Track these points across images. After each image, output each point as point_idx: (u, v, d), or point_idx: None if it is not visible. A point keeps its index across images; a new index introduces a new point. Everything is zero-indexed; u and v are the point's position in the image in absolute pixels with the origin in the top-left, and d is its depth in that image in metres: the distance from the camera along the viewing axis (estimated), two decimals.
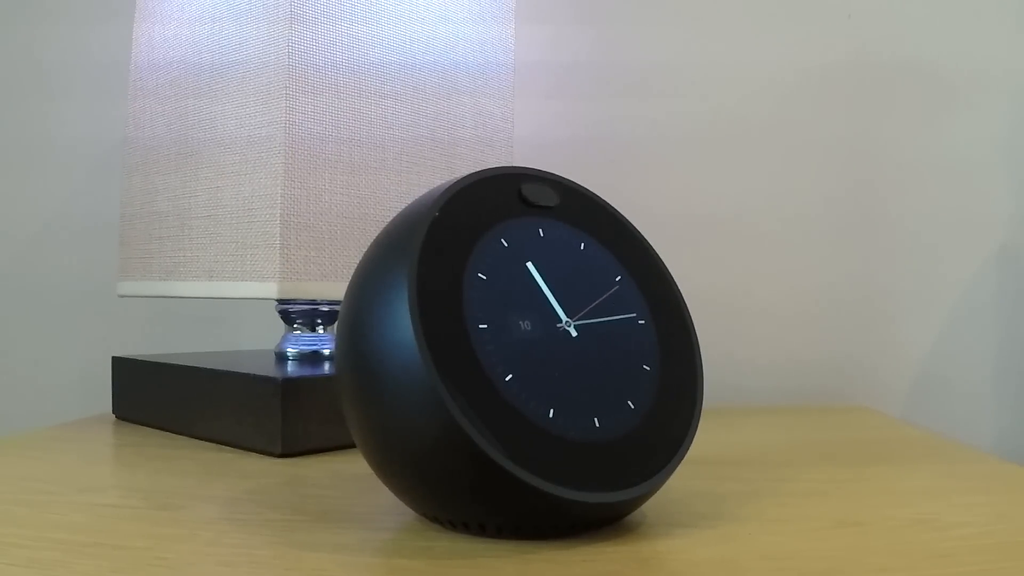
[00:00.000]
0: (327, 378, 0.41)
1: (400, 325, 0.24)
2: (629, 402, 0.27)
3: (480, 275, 0.26)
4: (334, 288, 0.43)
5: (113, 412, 0.51)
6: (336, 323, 0.36)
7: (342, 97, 0.43)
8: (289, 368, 0.44)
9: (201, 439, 0.44)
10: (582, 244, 0.29)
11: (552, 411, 0.25)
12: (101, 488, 0.33)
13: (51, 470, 0.36)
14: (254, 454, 0.40)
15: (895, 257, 0.65)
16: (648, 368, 0.28)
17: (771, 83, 0.65)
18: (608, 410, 0.26)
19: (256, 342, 0.64)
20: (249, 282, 0.42)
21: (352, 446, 0.41)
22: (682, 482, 0.33)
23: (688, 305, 0.31)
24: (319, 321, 0.49)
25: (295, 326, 0.49)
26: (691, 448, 0.28)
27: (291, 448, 0.39)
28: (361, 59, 0.44)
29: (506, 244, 0.27)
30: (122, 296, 0.52)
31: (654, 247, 0.31)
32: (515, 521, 0.25)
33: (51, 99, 0.68)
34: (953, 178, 0.65)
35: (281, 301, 0.48)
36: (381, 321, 0.25)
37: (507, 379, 0.25)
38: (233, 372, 0.42)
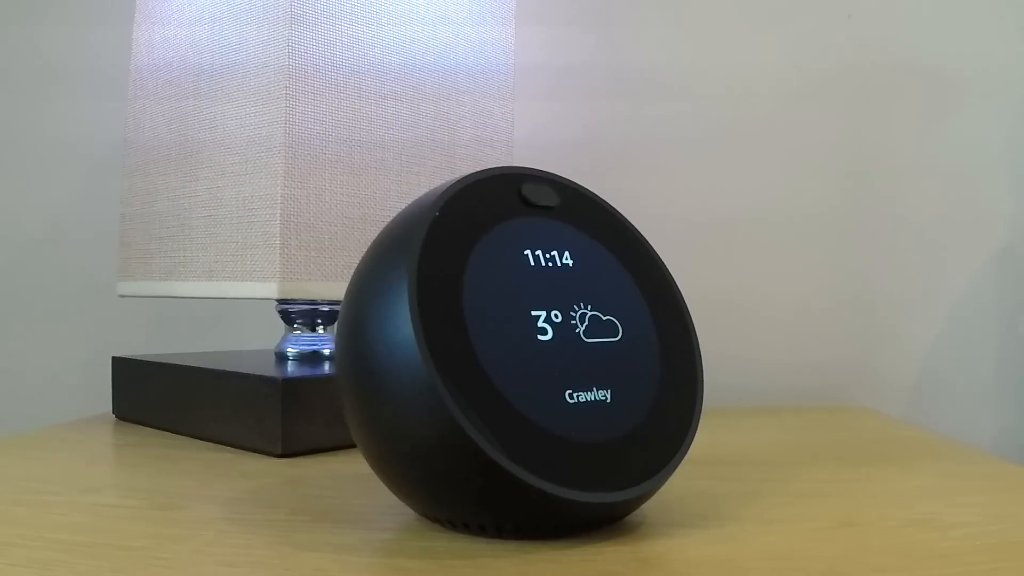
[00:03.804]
0: (327, 378, 0.41)
1: (400, 325, 0.24)
2: (629, 402, 0.27)
3: (480, 275, 0.26)
4: (334, 288, 0.43)
5: (113, 412, 0.51)
6: (336, 323, 0.36)
7: (342, 98, 0.43)
8: (289, 368, 0.44)
9: (201, 439, 0.44)
10: (582, 244, 0.29)
11: (552, 411, 0.25)
12: (101, 488, 0.33)
13: (51, 470, 0.36)
14: (254, 454, 0.40)
15: (895, 257, 0.65)
16: (648, 368, 0.28)
17: (771, 84, 0.65)
18: (608, 410, 0.26)
19: (256, 342, 0.64)
20: (249, 282, 0.42)
21: (352, 446, 0.41)
22: (682, 482, 0.33)
23: (688, 305, 0.31)
24: (319, 321, 0.49)
25: (295, 326, 0.49)
26: (691, 448, 0.28)
27: (291, 448, 0.39)
28: (361, 60, 0.44)
29: (506, 244, 0.27)
30: (122, 296, 0.52)
31: (654, 247, 0.31)
32: (515, 521, 0.25)
33: (51, 100, 0.68)
34: (953, 178, 0.65)
35: (281, 301, 0.48)
36: (381, 321, 0.25)
37: (507, 379, 0.25)
38: (233, 372, 0.42)
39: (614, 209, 0.31)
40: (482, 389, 0.24)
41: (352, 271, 0.42)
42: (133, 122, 0.51)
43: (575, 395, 0.26)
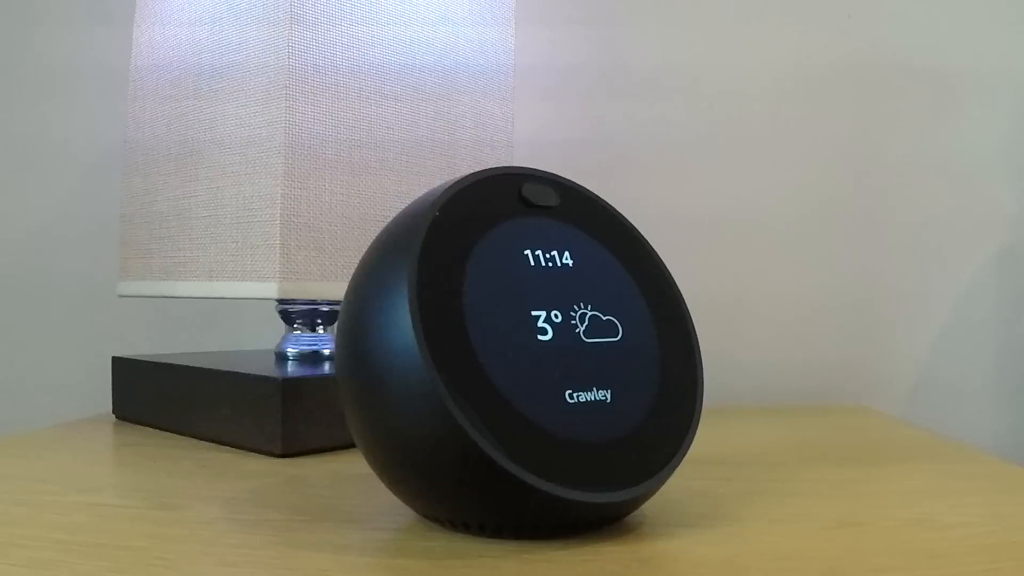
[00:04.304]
0: (327, 378, 0.41)
1: (400, 325, 0.24)
2: (629, 402, 0.27)
3: (480, 275, 0.26)
4: (334, 288, 0.43)
5: (113, 412, 0.51)
6: (336, 323, 0.36)
7: (342, 98, 0.43)
8: (289, 368, 0.44)
9: (201, 439, 0.44)
10: (582, 244, 0.29)
11: (552, 411, 0.25)
12: (101, 488, 0.33)
13: (51, 470, 0.36)
14: (254, 454, 0.40)
15: (896, 257, 0.65)
16: (648, 368, 0.28)
17: (771, 83, 0.65)
18: (608, 410, 0.26)
19: (256, 342, 0.64)
20: (249, 282, 0.42)
21: (352, 446, 0.41)
22: (682, 482, 0.33)
23: (688, 305, 0.31)
24: (319, 321, 0.49)
25: (295, 326, 0.49)
26: (691, 448, 0.28)
27: (291, 448, 0.39)
28: (361, 60, 0.44)
29: (506, 244, 0.27)
30: (122, 296, 0.52)
31: (654, 247, 0.31)
32: (515, 521, 0.25)
33: (52, 100, 0.68)
34: (954, 178, 0.65)
35: (281, 301, 0.48)
36: (381, 321, 0.25)
37: (507, 379, 0.25)
38: (233, 372, 0.42)
39: (614, 209, 0.31)
40: (482, 389, 0.24)
41: (352, 271, 0.42)
42: (133, 122, 0.51)
43: (575, 395, 0.26)
